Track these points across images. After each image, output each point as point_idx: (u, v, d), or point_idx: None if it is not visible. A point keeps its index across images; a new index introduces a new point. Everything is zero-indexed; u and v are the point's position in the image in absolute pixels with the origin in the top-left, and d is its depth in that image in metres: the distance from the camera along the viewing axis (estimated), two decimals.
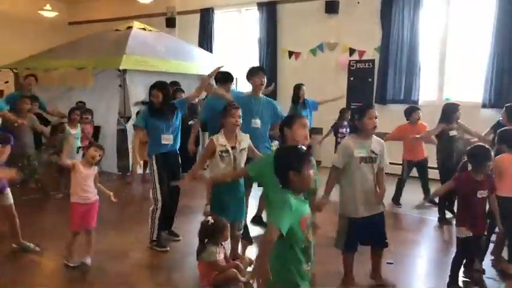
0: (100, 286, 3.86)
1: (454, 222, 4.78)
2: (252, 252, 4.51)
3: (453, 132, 5.71)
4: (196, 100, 7.92)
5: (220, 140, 3.91)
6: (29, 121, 6.19)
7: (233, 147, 3.91)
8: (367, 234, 3.63)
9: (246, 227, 4.59)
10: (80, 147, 6.19)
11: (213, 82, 5.32)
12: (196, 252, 3.70)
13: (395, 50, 8.78)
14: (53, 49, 9.90)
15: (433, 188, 6.18)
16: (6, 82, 9.91)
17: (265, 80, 5.00)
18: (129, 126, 7.80)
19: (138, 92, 7.95)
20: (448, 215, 5.85)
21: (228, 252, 3.95)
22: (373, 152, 3.61)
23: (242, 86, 7.83)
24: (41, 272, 4.16)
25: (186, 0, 11.77)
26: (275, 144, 5.40)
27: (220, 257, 3.60)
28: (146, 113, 4.68)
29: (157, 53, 8.63)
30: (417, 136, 5.95)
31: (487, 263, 4.21)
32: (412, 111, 6.33)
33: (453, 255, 3.84)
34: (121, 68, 7.76)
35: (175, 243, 4.79)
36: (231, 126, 3.93)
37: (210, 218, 3.65)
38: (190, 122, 6.64)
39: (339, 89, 9.41)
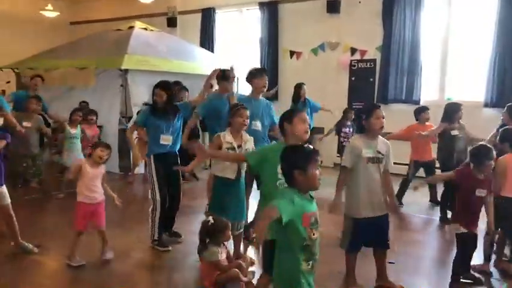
0: (101, 286, 3.86)
1: None
2: (253, 250, 4.51)
3: (455, 132, 5.70)
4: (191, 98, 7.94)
5: (227, 137, 3.93)
6: (35, 121, 6.22)
7: (239, 146, 3.93)
8: (372, 235, 3.63)
9: (247, 227, 4.58)
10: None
11: (214, 81, 5.32)
12: (198, 252, 3.69)
13: (397, 49, 8.77)
14: (55, 49, 9.91)
15: (439, 189, 6.22)
16: (8, 82, 9.92)
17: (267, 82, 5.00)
18: (131, 125, 7.80)
19: (140, 91, 7.95)
20: (450, 214, 5.84)
21: (232, 252, 3.95)
22: (379, 152, 3.61)
23: (243, 85, 7.81)
24: (42, 272, 4.16)
25: (187, 0, 11.78)
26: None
27: (223, 256, 3.60)
28: (147, 112, 4.67)
29: (159, 53, 8.63)
30: (422, 133, 5.92)
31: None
32: (421, 111, 6.32)
33: (454, 254, 3.84)
34: (123, 67, 7.76)
35: (175, 242, 4.78)
36: (238, 126, 3.95)
37: (210, 218, 3.64)
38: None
39: (341, 88, 9.43)
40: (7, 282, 3.85)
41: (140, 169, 7.70)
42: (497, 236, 4.24)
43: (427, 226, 5.90)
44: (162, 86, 4.62)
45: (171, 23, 11.91)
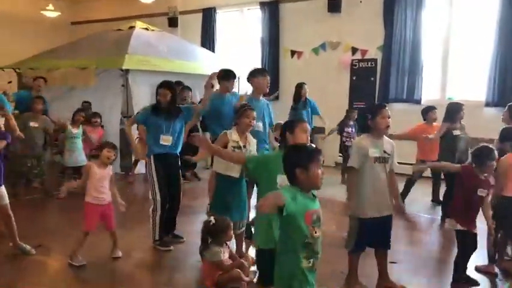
0: (103, 285, 3.87)
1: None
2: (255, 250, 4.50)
3: (457, 132, 5.68)
4: (199, 99, 7.93)
5: (234, 136, 3.95)
6: (42, 122, 6.30)
7: (244, 146, 3.96)
8: (376, 235, 3.62)
9: (248, 226, 4.58)
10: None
11: (215, 81, 5.32)
12: (200, 253, 3.69)
13: (398, 49, 8.77)
14: (56, 49, 9.91)
15: (442, 189, 6.21)
16: (10, 82, 9.92)
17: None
18: (129, 119, 7.80)
19: (141, 91, 7.95)
20: (448, 210, 5.83)
21: (234, 251, 3.95)
22: (385, 152, 3.61)
23: (244, 85, 7.81)
24: (43, 272, 4.15)
25: (188, 0, 11.78)
26: (276, 145, 5.40)
27: (225, 256, 3.59)
28: (149, 111, 4.63)
29: (160, 53, 8.63)
30: (429, 136, 5.91)
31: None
32: (428, 111, 6.32)
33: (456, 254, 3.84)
34: (123, 67, 7.76)
35: (177, 244, 4.77)
36: (244, 126, 3.97)
37: (212, 218, 3.64)
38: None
39: (342, 88, 9.42)
40: (8, 282, 3.85)
41: (141, 169, 7.70)
42: (499, 236, 4.23)
43: (429, 226, 5.90)
44: (166, 85, 4.62)
45: (172, 23, 11.91)
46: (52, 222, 5.72)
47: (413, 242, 5.23)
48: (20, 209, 4.40)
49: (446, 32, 8.52)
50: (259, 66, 10.47)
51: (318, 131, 8.29)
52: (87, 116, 7.12)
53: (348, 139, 7.82)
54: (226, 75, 5.28)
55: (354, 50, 9.34)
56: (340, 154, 8.32)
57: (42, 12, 12.18)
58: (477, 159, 3.69)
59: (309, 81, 7.76)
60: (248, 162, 3.30)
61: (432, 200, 6.62)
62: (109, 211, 4.21)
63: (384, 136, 3.67)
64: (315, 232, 2.38)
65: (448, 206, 3.85)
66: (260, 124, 4.80)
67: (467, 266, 3.94)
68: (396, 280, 3.82)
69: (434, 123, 6.20)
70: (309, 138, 3.25)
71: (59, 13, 12.42)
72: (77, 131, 6.61)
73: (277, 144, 5.32)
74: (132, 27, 9.30)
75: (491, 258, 4.17)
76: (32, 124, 6.17)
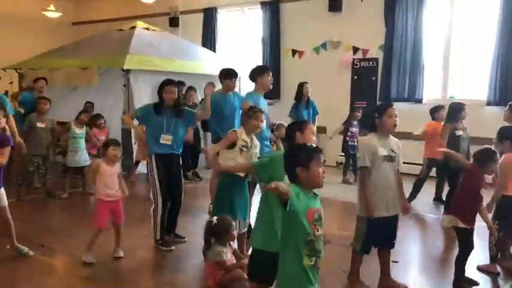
0: (104, 284, 3.88)
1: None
2: None
3: (459, 132, 5.66)
4: (200, 99, 7.94)
5: (243, 135, 3.99)
6: (49, 122, 6.42)
7: (250, 147, 4.01)
8: (383, 234, 3.62)
9: (249, 226, 4.58)
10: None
11: (217, 80, 5.33)
12: (203, 253, 3.69)
13: (399, 48, 8.76)
14: (57, 49, 9.93)
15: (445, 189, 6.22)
16: (11, 83, 9.94)
17: None
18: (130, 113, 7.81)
19: (142, 91, 7.96)
20: (449, 208, 5.82)
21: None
22: (392, 150, 3.61)
23: (245, 85, 7.82)
24: (45, 271, 4.15)
25: None
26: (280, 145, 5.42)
27: (228, 256, 3.59)
28: (151, 109, 4.58)
29: (161, 53, 8.63)
30: (442, 142, 5.89)
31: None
32: (438, 110, 6.33)
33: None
34: (125, 67, 7.77)
35: (179, 243, 4.78)
36: (252, 127, 4.01)
37: (214, 218, 3.64)
38: None
39: (343, 87, 9.42)
40: (10, 282, 3.86)
41: (142, 169, 7.72)
42: (500, 235, 4.22)
43: (432, 225, 5.89)
44: (173, 82, 4.61)
45: (173, 22, 11.92)
46: (54, 222, 5.73)
47: (415, 241, 5.24)
48: (22, 209, 4.41)
49: (447, 31, 8.51)
50: (258, 65, 10.48)
51: (319, 130, 8.29)
52: (90, 117, 7.15)
53: (351, 139, 7.83)
54: (228, 74, 5.29)
55: (355, 50, 9.34)
56: (343, 154, 8.32)
57: (43, 12, 12.19)
58: (479, 161, 3.69)
59: (310, 80, 7.76)
60: (259, 169, 3.35)
61: (434, 199, 6.61)
62: (119, 206, 4.31)
63: (390, 135, 3.67)
64: (317, 230, 2.39)
65: (451, 203, 3.85)
66: (264, 121, 4.83)
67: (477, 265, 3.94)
68: (398, 279, 3.82)
69: (443, 122, 6.20)
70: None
71: (60, 13, 12.42)
72: (81, 131, 6.64)
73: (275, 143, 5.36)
74: (133, 28, 9.31)
75: (493, 258, 4.16)
76: (39, 125, 6.30)
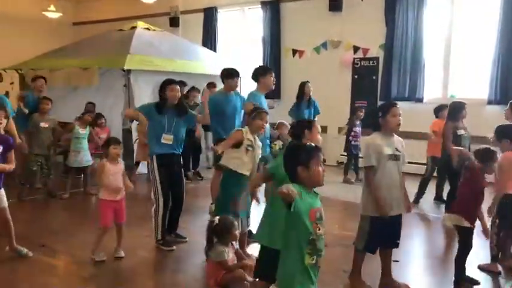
0: (105, 284, 3.88)
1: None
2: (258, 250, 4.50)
3: (461, 131, 5.66)
4: (200, 99, 7.94)
5: (249, 135, 3.99)
6: (52, 122, 6.46)
7: (254, 147, 4.02)
8: (387, 234, 3.62)
9: (250, 232, 4.57)
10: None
11: (218, 80, 5.35)
12: (205, 253, 3.69)
13: (400, 47, 8.75)
14: (58, 49, 9.94)
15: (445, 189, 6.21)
16: (12, 83, 9.94)
17: None
18: (134, 126, 7.83)
19: (143, 91, 7.96)
20: (451, 206, 5.81)
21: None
22: (397, 149, 3.61)
23: (245, 84, 7.82)
24: (47, 271, 4.15)
25: None
26: (279, 144, 5.41)
27: (230, 256, 3.59)
28: (153, 107, 4.56)
29: (162, 53, 8.64)
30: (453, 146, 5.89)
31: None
32: (442, 109, 6.32)
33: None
34: (125, 68, 7.78)
35: (180, 243, 4.78)
36: (256, 128, 4.01)
37: (216, 218, 3.64)
38: None
39: (343, 87, 9.42)
40: (11, 282, 3.87)
41: (142, 169, 7.72)
42: (501, 234, 4.22)
43: (432, 224, 5.89)
44: (176, 81, 4.62)
45: (174, 22, 11.92)
46: (55, 222, 5.73)
47: (416, 240, 5.23)
48: (23, 210, 4.42)
49: (448, 30, 8.50)
50: (260, 65, 10.48)
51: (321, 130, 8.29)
52: (94, 117, 7.19)
53: (354, 138, 7.83)
54: (230, 74, 5.31)
55: (356, 49, 9.33)
56: (344, 153, 8.32)
57: (43, 13, 12.19)
58: (480, 160, 3.69)
59: (311, 80, 7.75)
60: (276, 173, 3.27)
61: (435, 199, 6.61)
62: (121, 205, 4.33)
63: (394, 134, 3.67)
64: (318, 229, 2.40)
65: (453, 202, 3.83)
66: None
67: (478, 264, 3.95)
68: (399, 279, 3.82)
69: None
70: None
71: (61, 14, 12.43)
72: (84, 131, 6.65)
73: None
74: (133, 28, 9.32)
75: (493, 257, 4.16)
76: (43, 125, 6.34)
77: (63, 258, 4.42)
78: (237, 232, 3.65)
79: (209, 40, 11.30)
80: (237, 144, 3.94)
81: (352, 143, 7.85)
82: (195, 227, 5.20)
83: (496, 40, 7.84)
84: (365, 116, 7.89)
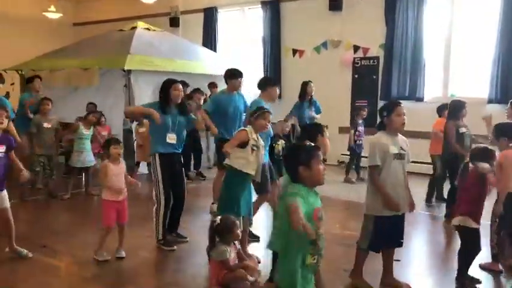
0: (106, 284, 3.88)
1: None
2: (259, 250, 4.50)
3: (462, 130, 5.66)
4: (202, 101, 7.95)
5: (253, 134, 3.99)
6: (54, 122, 6.48)
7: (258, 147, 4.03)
8: (392, 233, 3.62)
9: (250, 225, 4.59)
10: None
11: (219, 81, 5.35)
12: (207, 253, 3.69)
13: (400, 46, 8.75)
14: (58, 50, 9.95)
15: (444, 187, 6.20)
16: (12, 84, 9.96)
17: None
18: (134, 126, 7.84)
19: (143, 91, 7.97)
20: (455, 208, 5.81)
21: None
22: (402, 148, 3.61)
23: (245, 85, 7.81)
24: (49, 271, 4.15)
25: None
26: (281, 143, 5.42)
27: (232, 255, 3.59)
28: (157, 109, 4.52)
29: (162, 53, 8.64)
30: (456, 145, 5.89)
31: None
32: (445, 108, 6.29)
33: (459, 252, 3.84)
34: (125, 68, 7.78)
35: (181, 243, 4.78)
36: (259, 128, 4.01)
37: (218, 218, 3.64)
38: None
39: (344, 86, 9.42)
40: (12, 282, 3.87)
41: (143, 169, 7.73)
42: (501, 234, 4.21)
43: (433, 223, 5.89)
44: (179, 81, 4.62)
45: (174, 22, 11.92)
46: (56, 223, 5.74)
47: (418, 239, 5.23)
48: (24, 210, 4.42)
49: (448, 29, 8.50)
50: (261, 65, 10.50)
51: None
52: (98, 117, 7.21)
53: (358, 138, 7.83)
54: (233, 74, 5.33)
55: (356, 48, 9.33)
56: (346, 153, 8.30)
57: (44, 13, 12.21)
58: (478, 160, 3.69)
59: (311, 79, 7.76)
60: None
61: (436, 198, 6.60)
62: (124, 205, 4.35)
63: (398, 133, 3.67)
64: (319, 229, 2.42)
65: (460, 205, 3.78)
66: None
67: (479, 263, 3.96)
68: (400, 278, 3.82)
69: None
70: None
71: (61, 14, 12.44)
72: (88, 132, 6.66)
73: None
74: (134, 28, 9.33)
75: (494, 256, 4.16)
76: (45, 125, 6.35)
77: (64, 258, 4.42)
78: (239, 231, 3.65)
79: (209, 40, 11.30)
80: (243, 144, 3.94)
81: (357, 142, 7.85)
82: (196, 226, 5.20)
83: (496, 40, 7.83)
84: (368, 116, 7.90)
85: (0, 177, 4.09)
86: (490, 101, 7.90)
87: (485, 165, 3.64)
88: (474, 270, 3.97)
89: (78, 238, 4.87)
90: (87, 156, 6.64)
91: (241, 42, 11.18)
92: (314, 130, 3.36)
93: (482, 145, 3.90)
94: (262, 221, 5.30)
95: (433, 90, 8.65)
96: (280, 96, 9.80)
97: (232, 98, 5.36)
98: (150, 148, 4.69)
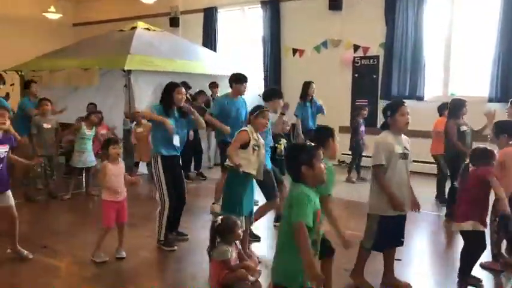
0: (107, 284, 3.88)
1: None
2: (260, 249, 4.50)
3: (464, 128, 5.66)
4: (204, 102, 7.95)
5: (254, 134, 4.00)
6: (54, 123, 6.50)
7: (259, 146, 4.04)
8: (395, 232, 3.62)
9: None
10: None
11: (222, 80, 5.37)
12: (208, 253, 3.69)
13: (400, 46, 8.74)
14: (58, 50, 9.95)
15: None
16: (12, 85, 9.95)
17: None
18: (134, 126, 7.83)
19: (143, 92, 7.97)
20: (459, 212, 5.80)
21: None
22: (405, 148, 3.61)
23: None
24: (49, 272, 4.16)
25: None
26: (283, 142, 5.42)
27: (233, 255, 3.58)
28: (161, 111, 4.51)
29: (162, 53, 8.64)
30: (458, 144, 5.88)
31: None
32: (445, 108, 6.29)
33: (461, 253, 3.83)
34: (125, 68, 7.78)
35: (181, 241, 4.78)
36: (259, 126, 4.04)
37: (219, 218, 3.64)
38: None
39: (344, 85, 9.42)
40: (12, 283, 3.87)
41: (143, 169, 7.72)
42: (500, 233, 4.21)
43: (434, 223, 5.88)
44: (183, 84, 4.65)
45: (174, 22, 11.91)
46: (57, 223, 5.74)
47: (418, 239, 5.23)
48: (24, 211, 4.42)
49: (448, 28, 8.49)
50: (261, 65, 10.49)
51: None
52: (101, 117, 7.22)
53: (361, 137, 7.82)
54: (239, 79, 5.37)
55: (356, 48, 9.32)
56: (347, 153, 8.29)
57: (44, 14, 12.21)
58: (478, 160, 3.69)
59: (311, 79, 7.74)
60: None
61: (436, 197, 6.60)
62: (123, 206, 4.35)
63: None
64: (320, 229, 2.44)
65: (462, 204, 3.74)
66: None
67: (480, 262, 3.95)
68: (401, 277, 3.82)
69: None
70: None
71: (61, 15, 12.43)
72: (90, 132, 6.66)
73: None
74: (133, 28, 9.33)
75: (495, 256, 4.16)
76: (45, 126, 6.36)
77: (65, 259, 4.42)
78: (240, 231, 3.65)
79: (209, 40, 11.30)
80: (244, 145, 3.94)
81: (360, 141, 7.84)
82: (196, 226, 5.21)
83: (496, 39, 7.82)
84: (369, 115, 7.90)
85: (4, 177, 4.11)
86: (490, 100, 7.89)
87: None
88: (475, 270, 3.96)
89: (78, 238, 4.87)
90: (88, 157, 6.64)
91: (241, 42, 11.17)
92: (325, 134, 3.31)
93: (482, 146, 3.89)
94: (263, 221, 5.29)
95: (433, 89, 8.64)
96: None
97: (235, 102, 5.41)
98: (152, 148, 4.69)
